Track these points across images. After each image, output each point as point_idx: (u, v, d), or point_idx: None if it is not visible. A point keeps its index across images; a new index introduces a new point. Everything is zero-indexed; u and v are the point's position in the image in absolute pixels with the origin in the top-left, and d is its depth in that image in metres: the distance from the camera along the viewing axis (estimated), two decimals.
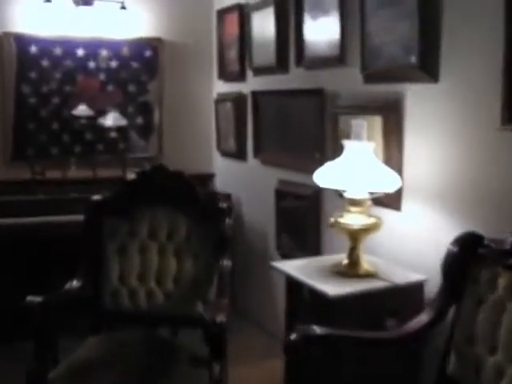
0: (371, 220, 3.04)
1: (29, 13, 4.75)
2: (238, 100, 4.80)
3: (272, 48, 4.27)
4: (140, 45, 5.04)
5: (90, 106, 4.93)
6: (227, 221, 3.24)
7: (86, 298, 3.24)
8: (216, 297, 3.11)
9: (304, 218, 4.01)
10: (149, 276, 3.32)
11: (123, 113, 5.03)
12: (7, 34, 4.69)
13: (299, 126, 4.08)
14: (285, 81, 4.22)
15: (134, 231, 3.33)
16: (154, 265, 3.32)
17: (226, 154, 5.15)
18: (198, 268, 3.28)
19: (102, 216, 3.32)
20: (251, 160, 4.73)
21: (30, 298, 2.81)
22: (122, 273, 3.32)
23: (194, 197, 3.29)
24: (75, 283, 3.15)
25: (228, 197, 4.71)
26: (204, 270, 3.26)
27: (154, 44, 5.08)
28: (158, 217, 3.33)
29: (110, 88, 4.99)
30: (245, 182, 4.85)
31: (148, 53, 5.07)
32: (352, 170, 2.96)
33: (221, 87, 5.19)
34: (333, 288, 2.82)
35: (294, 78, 4.13)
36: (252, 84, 4.68)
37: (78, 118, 4.92)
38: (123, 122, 5.01)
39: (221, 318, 2.69)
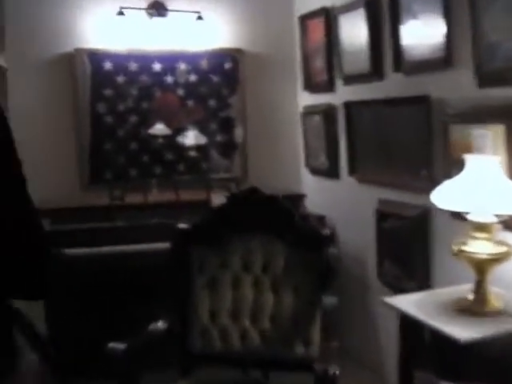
0: (502, 248, 2.59)
1: (101, 27, 4.50)
2: (328, 112, 4.41)
3: (365, 53, 3.87)
4: (219, 56, 4.72)
5: (169, 123, 4.63)
6: (331, 250, 2.85)
7: (172, 339, 2.90)
8: (321, 339, 2.73)
9: (410, 243, 3.57)
10: (242, 313, 2.97)
11: (204, 130, 4.71)
12: (80, 51, 4.44)
13: (401, 139, 3.65)
14: (381, 89, 3.81)
15: (226, 262, 2.98)
16: (249, 300, 2.96)
17: (316, 171, 4.76)
18: (297, 304, 2.90)
19: (189, 246, 2.98)
20: (345, 178, 4.31)
21: (112, 345, 2.49)
22: (212, 310, 2.98)
23: (292, 223, 2.92)
24: (161, 324, 2.83)
25: (322, 219, 4.31)
26: (305, 307, 2.88)
27: (233, 55, 4.75)
28: (253, 246, 2.97)
29: (190, 104, 4.67)
30: (339, 202, 4.43)
31: (228, 65, 4.74)
32: (477, 188, 2.52)
33: (307, 99, 4.81)
34: (463, 331, 2.38)
35: (392, 85, 3.71)
36: (343, 94, 4.28)
37: (155, 137, 4.61)
38: (203, 139, 4.69)
39: (334, 368, 2.31)
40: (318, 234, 2.88)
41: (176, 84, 4.63)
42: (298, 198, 4.56)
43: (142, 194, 4.12)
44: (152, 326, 2.79)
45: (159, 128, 4.60)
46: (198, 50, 4.66)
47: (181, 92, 4.65)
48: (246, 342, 2.94)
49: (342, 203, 4.41)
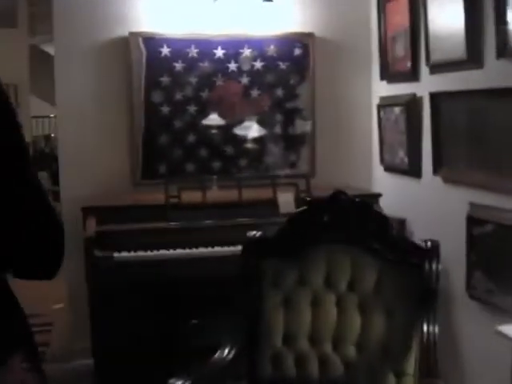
0: None
1: (159, 9, 4.08)
2: (411, 104, 3.91)
3: (459, 37, 3.35)
4: (288, 42, 4.25)
5: (231, 114, 4.19)
6: (434, 266, 2.36)
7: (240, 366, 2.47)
8: (422, 374, 2.25)
9: (508, 253, 3.07)
10: (323, 337, 2.51)
11: (268, 122, 4.25)
12: (135, 35, 4.02)
13: (502, 135, 3.14)
14: (480, 78, 3.29)
15: (305, 278, 2.52)
16: (331, 323, 2.50)
17: (392, 169, 4.27)
18: (390, 329, 2.42)
19: (262, 258, 2.53)
20: (428, 177, 3.81)
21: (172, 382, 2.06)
22: (287, 332, 2.53)
23: (386, 233, 2.43)
24: (227, 353, 2.38)
25: (402, 223, 3.81)
26: (400, 333, 2.40)
27: (304, 40, 4.27)
28: (337, 260, 2.50)
29: (255, 93, 4.22)
30: (419, 204, 3.93)
31: (297, 51, 4.27)
32: None
33: (384, 89, 4.32)
34: None
35: (494, 74, 3.19)
36: (429, 84, 3.77)
37: (211, 128, 4.17)
38: (262, 131, 4.23)
39: None
40: (419, 247, 2.39)
41: (240, 71, 4.19)
42: (373, 198, 4.06)
43: (200, 191, 3.66)
44: (218, 355, 2.35)
45: (213, 118, 4.15)
46: (265, 34, 4.21)
47: (245, 80, 4.20)
48: (326, 371, 2.49)
49: (423, 205, 3.91)
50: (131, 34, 4.01)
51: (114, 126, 4.07)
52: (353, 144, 4.49)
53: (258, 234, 2.54)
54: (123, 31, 4.03)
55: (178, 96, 4.10)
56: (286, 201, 3.75)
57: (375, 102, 4.41)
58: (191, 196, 3.65)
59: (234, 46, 4.16)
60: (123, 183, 4.04)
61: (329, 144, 4.41)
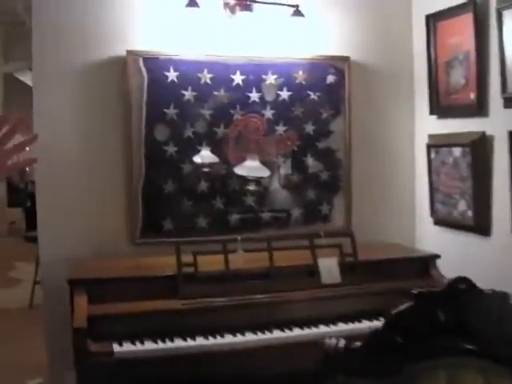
0: None
1: (164, 24, 3.28)
2: (478, 144, 3.16)
3: None
4: (320, 67, 3.49)
5: (253, 155, 3.40)
6: None
7: None
8: None
9: None
10: None
11: (296, 165, 3.47)
12: (134, 54, 3.22)
13: None
14: None
15: None
16: None
17: (446, 223, 3.49)
18: None
19: (347, 379, 1.70)
20: (503, 235, 3.07)
21: None
22: None
23: None
24: None
25: None
26: None
27: (339, 65, 3.52)
28: (462, 380, 1.69)
29: (280, 129, 3.43)
30: (486, 268, 3.14)
31: (331, 78, 3.51)
32: None
33: (435, 126, 3.56)
34: None
35: None
36: (504, 120, 3.03)
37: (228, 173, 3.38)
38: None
39: None
40: None
41: (263, 102, 3.40)
42: (428, 261, 3.27)
43: (220, 255, 2.84)
44: None
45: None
46: (293, 57, 3.44)
47: (268, 113, 3.41)
48: None
49: (493, 270, 3.13)
50: (130, 52, 3.20)
51: (107, 169, 3.25)
52: (395, 192, 3.74)
53: (342, 342, 1.72)
54: (119, 50, 3.21)
55: (188, 132, 3.29)
56: (329, 268, 2.95)
57: (421, 140, 3.65)
58: (209, 262, 2.82)
59: (255, 72, 3.38)
60: (120, 243, 3.21)
61: (366, 192, 3.65)
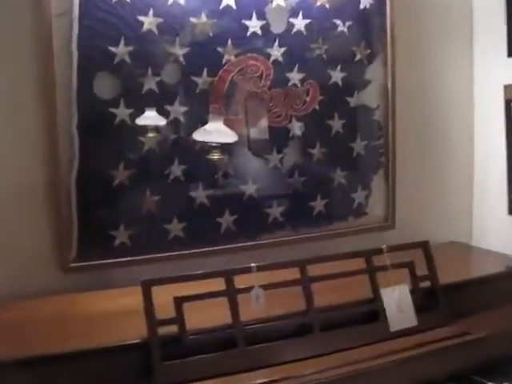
0: None
1: None
2: None
3: None
4: None
5: (250, 119, 2.15)
6: None
7: None
8: None
9: None
10: None
11: (318, 132, 2.26)
12: None
13: None
14: None
15: None
16: None
17: None
18: None
19: None
20: None
21: None
22: None
23: None
24: None
25: None
26: None
27: None
28: None
29: (294, 77, 2.22)
30: None
31: (365, 2, 2.29)
32: None
33: None
34: None
35: None
36: None
37: (210, 147, 2.12)
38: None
39: None
40: None
41: (267, 35, 2.15)
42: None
43: (218, 295, 1.61)
44: None
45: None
46: None
47: (276, 53, 2.17)
48: None
49: None
50: None
51: (17, 156, 1.92)
52: (450, 170, 2.58)
53: None
54: None
55: (150, 84, 2.01)
56: (400, 303, 1.77)
57: (494, 94, 2.49)
58: (202, 307, 1.58)
59: None
60: (41, 270, 1.91)
61: (415, 171, 2.48)
